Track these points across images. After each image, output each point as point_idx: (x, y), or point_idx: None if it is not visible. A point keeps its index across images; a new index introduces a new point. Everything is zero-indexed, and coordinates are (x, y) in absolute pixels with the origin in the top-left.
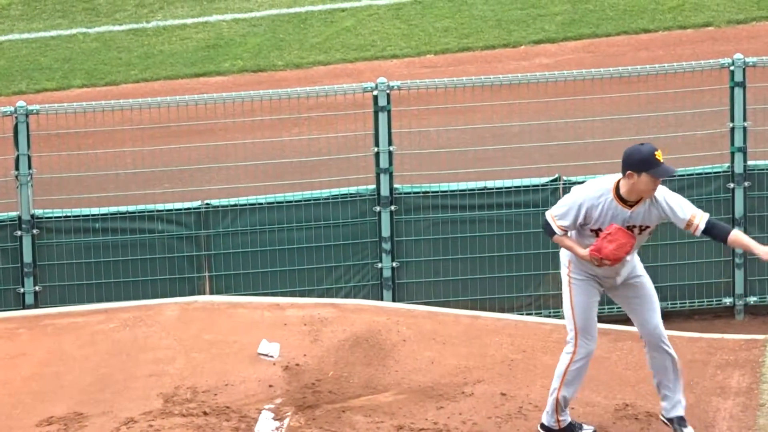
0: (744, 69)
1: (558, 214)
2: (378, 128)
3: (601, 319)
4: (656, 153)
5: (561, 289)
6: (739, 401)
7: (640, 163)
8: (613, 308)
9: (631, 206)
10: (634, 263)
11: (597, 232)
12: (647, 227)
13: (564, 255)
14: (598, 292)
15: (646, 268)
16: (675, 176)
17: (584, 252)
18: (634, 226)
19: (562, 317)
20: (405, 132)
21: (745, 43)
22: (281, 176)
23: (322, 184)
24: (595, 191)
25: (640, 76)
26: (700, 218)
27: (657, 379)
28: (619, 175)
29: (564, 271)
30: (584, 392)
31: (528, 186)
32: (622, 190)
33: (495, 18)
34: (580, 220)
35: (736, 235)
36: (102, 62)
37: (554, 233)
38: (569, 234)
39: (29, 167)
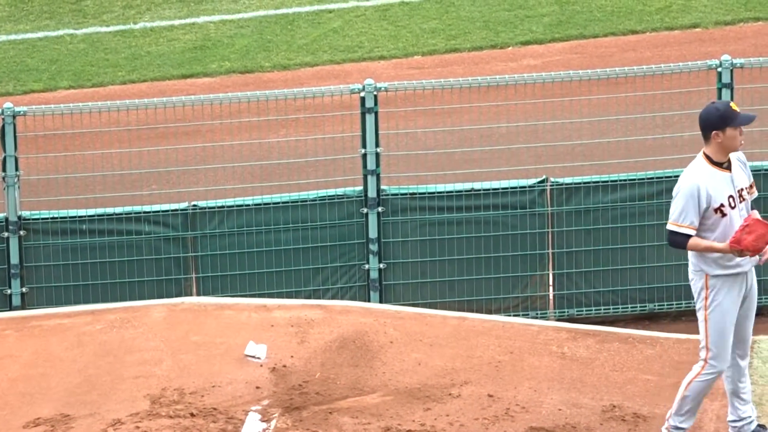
0: (731, 70)
1: (680, 218)
2: (365, 130)
3: (588, 321)
4: (732, 105)
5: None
6: (726, 402)
7: (721, 120)
8: (600, 309)
9: (728, 168)
10: None
11: (722, 212)
12: (747, 188)
13: (696, 266)
14: (737, 307)
15: (633, 269)
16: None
17: (723, 245)
18: (743, 189)
19: (549, 318)
20: (392, 133)
21: (732, 45)
22: (268, 178)
23: (310, 185)
24: (696, 172)
25: (627, 77)
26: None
27: (732, 386)
28: (699, 157)
29: (699, 285)
30: (571, 394)
31: (515, 187)
32: (714, 157)
33: (482, 19)
34: (703, 205)
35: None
36: (89, 63)
37: (687, 237)
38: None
39: (16, 169)
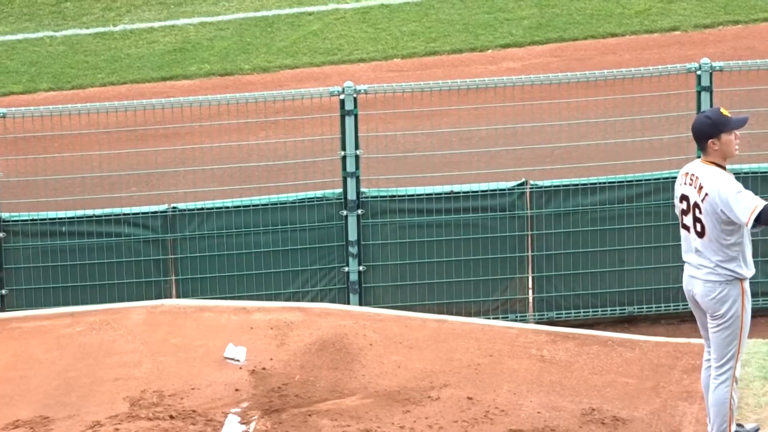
0: (710, 73)
1: (751, 203)
2: (345, 132)
3: (568, 323)
4: (722, 110)
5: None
6: (705, 405)
7: (714, 127)
8: (579, 312)
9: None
10: None
11: None
12: None
13: (731, 274)
14: None
15: (613, 272)
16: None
17: None
18: None
19: (528, 321)
20: (372, 136)
21: (711, 48)
22: (248, 180)
23: (289, 187)
24: (726, 176)
25: (606, 80)
26: None
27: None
28: (713, 168)
29: (734, 294)
30: (550, 397)
31: (495, 190)
32: (722, 162)
33: (462, 22)
34: None
35: None
36: (69, 66)
37: (764, 206)
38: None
39: None
